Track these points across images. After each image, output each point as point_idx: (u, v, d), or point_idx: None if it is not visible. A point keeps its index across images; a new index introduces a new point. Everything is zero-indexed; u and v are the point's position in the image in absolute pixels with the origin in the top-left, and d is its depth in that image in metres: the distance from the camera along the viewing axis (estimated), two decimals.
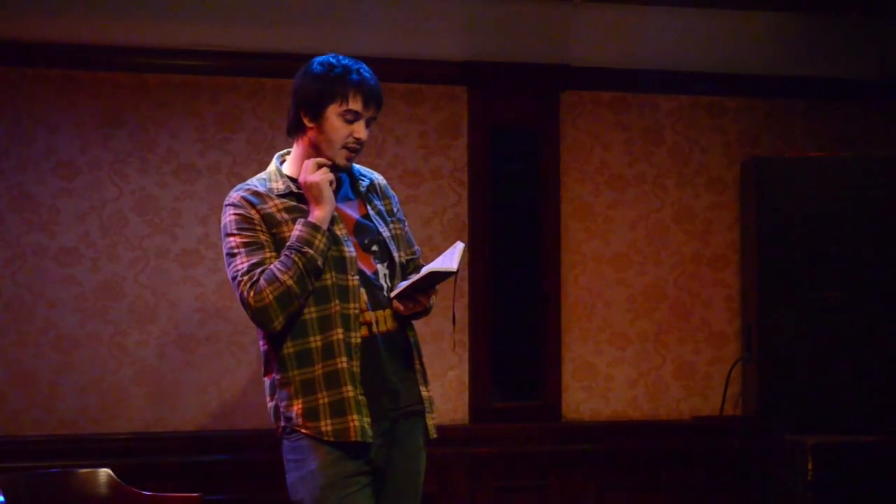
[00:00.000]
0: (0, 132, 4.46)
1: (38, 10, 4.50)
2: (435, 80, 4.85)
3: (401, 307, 3.13)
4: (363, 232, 3.17)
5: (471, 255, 4.86)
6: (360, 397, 3.04)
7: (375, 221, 3.20)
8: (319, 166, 3.08)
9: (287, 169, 3.18)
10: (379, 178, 3.33)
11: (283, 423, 3.10)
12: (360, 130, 3.10)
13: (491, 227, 4.89)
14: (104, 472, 3.81)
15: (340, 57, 3.14)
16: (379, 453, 3.10)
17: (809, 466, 4.47)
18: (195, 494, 3.81)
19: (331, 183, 3.08)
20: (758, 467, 4.83)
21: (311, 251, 3.00)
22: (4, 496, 3.48)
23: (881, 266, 4.72)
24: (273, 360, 3.10)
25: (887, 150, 5.08)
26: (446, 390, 4.86)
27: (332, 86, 3.07)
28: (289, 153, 3.22)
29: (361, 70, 3.12)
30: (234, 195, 3.12)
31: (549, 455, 4.86)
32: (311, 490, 3.02)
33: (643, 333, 5.08)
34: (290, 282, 2.98)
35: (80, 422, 4.49)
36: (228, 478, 4.48)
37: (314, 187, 3.05)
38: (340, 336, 3.04)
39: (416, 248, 3.36)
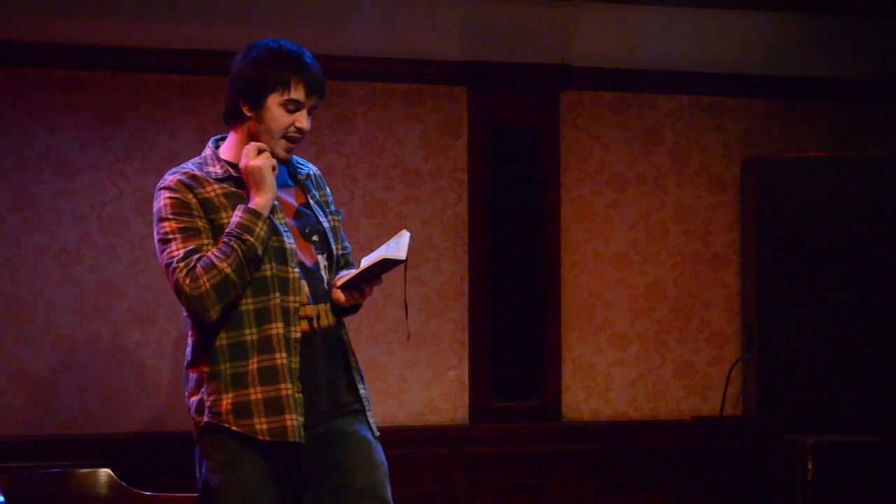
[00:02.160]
0: (0, 132, 4.46)
1: (38, 10, 4.50)
2: (435, 80, 4.85)
3: (342, 297, 3.02)
4: (304, 221, 3.07)
5: (471, 255, 4.86)
6: (298, 395, 2.92)
7: (315, 211, 3.11)
8: (261, 151, 2.96)
9: (225, 154, 3.06)
10: (315, 169, 3.23)
11: (206, 419, 2.94)
12: (303, 120, 2.99)
13: (491, 227, 4.88)
14: (104, 472, 3.80)
15: (283, 42, 3.03)
16: (318, 460, 2.99)
17: (809, 466, 4.47)
18: (195, 494, 3.81)
19: (273, 168, 2.96)
20: (758, 467, 4.83)
21: (251, 238, 2.87)
22: (4, 496, 3.47)
23: (881, 266, 4.72)
24: (203, 352, 2.95)
25: (887, 150, 5.08)
26: (446, 390, 4.86)
27: (274, 73, 2.95)
28: (224, 138, 3.11)
29: (304, 57, 3.00)
30: (169, 178, 2.98)
31: (549, 455, 4.86)
32: (241, 497, 2.91)
33: (643, 333, 5.07)
34: (228, 270, 2.85)
35: (80, 422, 4.49)
36: None
37: (256, 172, 2.93)
38: (280, 330, 2.91)
39: (347, 244, 3.24)
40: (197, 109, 4.63)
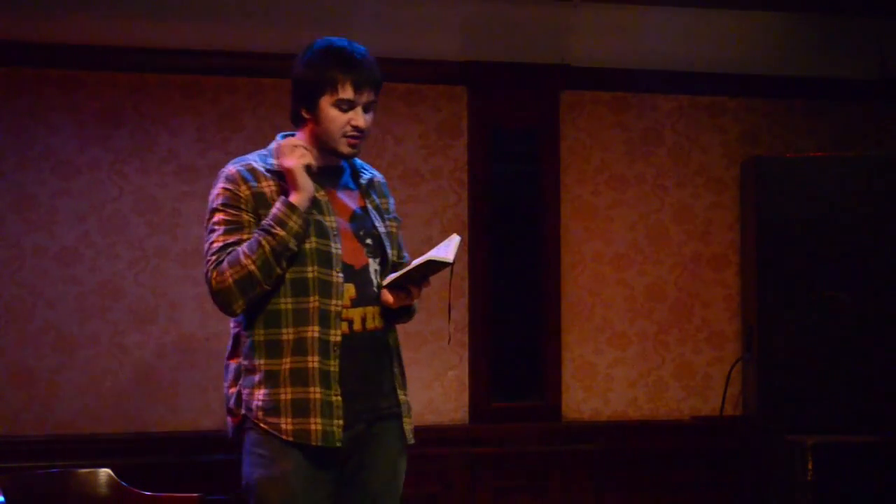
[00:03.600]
0: (0, 132, 4.46)
1: (38, 10, 4.50)
2: (435, 80, 4.85)
3: (390, 298, 3.02)
4: (359, 223, 3.08)
5: (471, 255, 4.86)
6: (335, 398, 2.92)
7: (372, 216, 3.11)
8: (296, 147, 2.96)
9: None
10: (379, 176, 3.25)
11: (244, 412, 2.97)
12: (358, 118, 3.00)
13: (491, 227, 4.89)
14: (104, 472, 3.80)
15: (334, 40, 3.04)
16: (350, 458, 3.01)
17: (809, 466, 4.47)
18: (195, 494, 3.81)
19: (309, 166, 2.95)
20: (758, 467, 4.83)
21: (282, 232, 2.88)
22: (4, 496, 3.47)
23: (881, 266, 4.72)
24: (242, 345, 2.99)
25: (887, 150, 5.08)
26: (446, 390, 4.86)
27: (321, 75, 2.97)
28: (292, 135, 3.12)
29: (351, 54, 3.01)
30: (231, 168, 3.01)
31: (549, 455, 4.86)
32: (282, 493, 2.92)
33: (643, 333, 5.08)
34: (252, 266, 2.86)
35: (79, 422, 4.49)
36: (228, 478, 4.47)
37: (288, 173, 2.94)
38: (316, 333, 2.92)
39: (406, 254, 3.24)
40: (197, 109, 4.64)
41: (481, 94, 4.89)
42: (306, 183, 2.95)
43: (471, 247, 4.86)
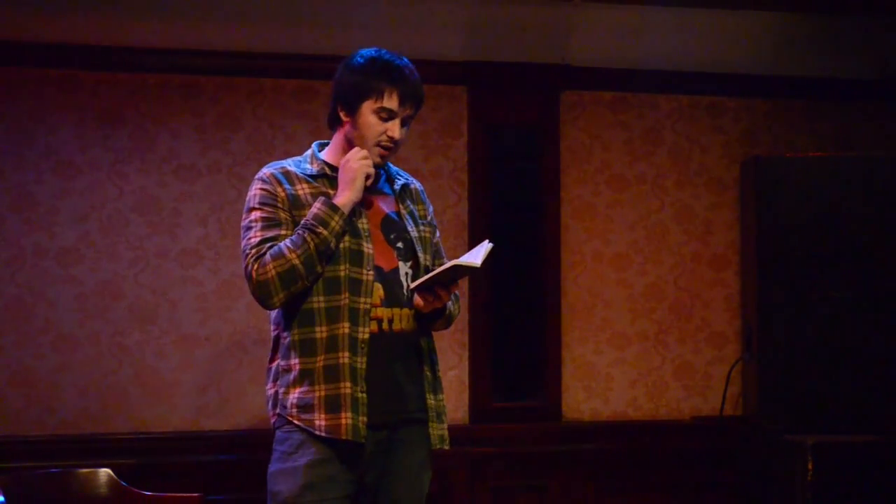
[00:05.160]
0: (0, 132, 4.46)
1: (38, 10, 4.50)
2: (435, 80, 4.84)
3: (420, 300, 3.06)
4: (391, 227, 3.14)
5: None
6: (360, 394, 2.97)
7: (405, 220, 3.17)
8: (364, 157, 3.04)
9: (324, 155, 3.16)
10: (416, 184, 3.31)
11: (278, 411, 3.05)
12: (395, 129, 3.07)
13: (491, 227, 4.88)
14: (104, 472, 3.81)
15: (384, 52, 3.11)
16: (373, 464, 3.04)
17: (809, 466, 4.47)
18: (195, 494, 3.81)
19: (368, 177, 3.04)
20: (758, 467, 4.83)
21: (324, 231, 2.95)
22: (4, 496, 3.48)
23: (881, 266, 4.71)
24: (280, 345, 3.07)
25: (887, 150, 5.08)
26: (446, 390, 4.83)
27: (368, 81, 3.04)
28: (326, 144, 3.22)
29: (401, 67, 3.08)
30: (266, 171, 3.10)
31: (549, 455, 4.86)
32: (291, 486, 2.98)
33: (643, 333, 5.08)
34: (296, 261, 2.94)
35: (80, 422, 4.50)
36: (228, 478, 4.49)
37: (350, 171, 3.02)
38: (346, 330, 2.98)
39: (446, 260, 3.24)
40: (197, 109, 4.64)
41: (481, 94, 4.89)
42: (359, 186, 3.03)
43: (471, 246, 4.86)
